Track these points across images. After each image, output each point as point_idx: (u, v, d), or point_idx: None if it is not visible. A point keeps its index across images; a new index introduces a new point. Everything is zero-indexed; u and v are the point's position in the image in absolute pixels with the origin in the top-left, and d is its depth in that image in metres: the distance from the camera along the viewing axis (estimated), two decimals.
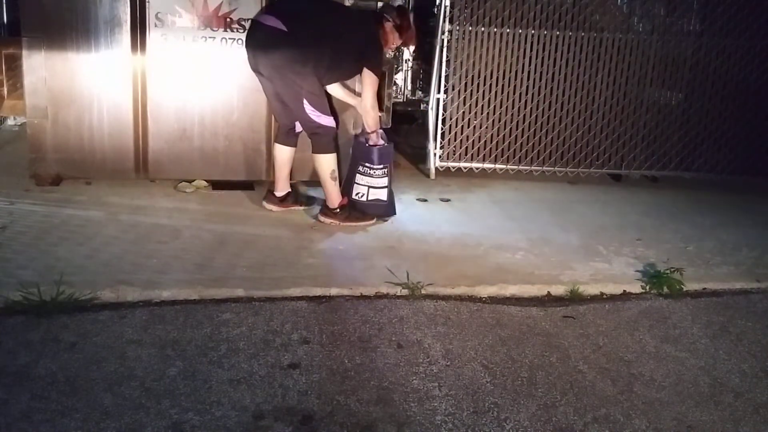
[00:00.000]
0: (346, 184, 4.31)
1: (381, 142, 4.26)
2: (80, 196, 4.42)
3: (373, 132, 4.24)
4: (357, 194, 4.24)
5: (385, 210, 4.33)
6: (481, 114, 5.44)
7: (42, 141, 4.52)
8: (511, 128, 5.47)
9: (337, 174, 4.21)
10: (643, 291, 3.64)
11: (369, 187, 4.23)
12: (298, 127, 4.28)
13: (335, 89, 4.30)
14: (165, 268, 3.44)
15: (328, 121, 4.13)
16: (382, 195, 4.28)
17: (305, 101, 4.04)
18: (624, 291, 3.63)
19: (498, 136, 5.47)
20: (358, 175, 4.24)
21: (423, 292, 3.41)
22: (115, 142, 4.60)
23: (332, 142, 4.19)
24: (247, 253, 3.71)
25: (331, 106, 4.28)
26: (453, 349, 2.91)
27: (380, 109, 5.08)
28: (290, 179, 4.48)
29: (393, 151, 4.39)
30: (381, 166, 4.23)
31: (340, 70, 4.17)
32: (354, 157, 4.32)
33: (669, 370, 2.88)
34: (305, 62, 3.97)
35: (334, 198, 4.21)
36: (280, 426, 2.35)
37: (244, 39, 4.29)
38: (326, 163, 4.16)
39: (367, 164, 4.22)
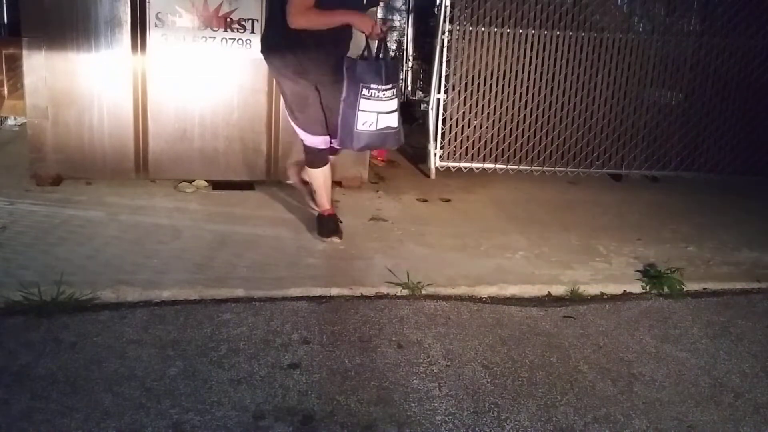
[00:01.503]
0: (344, 121, 3.57)
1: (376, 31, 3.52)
2: (80, 196, 4.42)
3: (375, 33, 3.51)
4: (364, 124, 3.53)
5: (396, 138, 3.69)
6: (481, 114, 5.44)
7: (42, 141, 4.52)
8: (511, 128, 5.47)
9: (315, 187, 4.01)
10: (644, 291, 3.64)
11: (378, 113, 3.52)
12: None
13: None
14: (165, 268, 3.44)
15: (306, 137, 3.82)
16: (393, 121, 3.60)
17: (287, 112, 3.89)
18: (624, 291, 3.63)
19: (498, 136, 5.47)
20: (362, 100, 3.50)
21: (423, 292, 3.41)
22: (115, 142, 4.61)
23: (313, 161, 3.89)
24: (248, 253, 3.71)
25: (332, 123, 3.76)
26: (453, 349, 2.91)
27: None
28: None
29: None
30: (390, 86, 3.54)
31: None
32: (351, 82, 3.52)
33: (669, 370, 2.88)
34: (282, 59, 3.68)
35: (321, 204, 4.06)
36: (280, 426, 2.35)
37: (244, 39, 4.29)
38: (311, 175, 4.01)
39: (372, 85, 3.49)
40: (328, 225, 3.99)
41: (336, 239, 3.95)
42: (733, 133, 5.67)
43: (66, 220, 4.00)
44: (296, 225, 4.19)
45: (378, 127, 3.54)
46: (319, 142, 3.81)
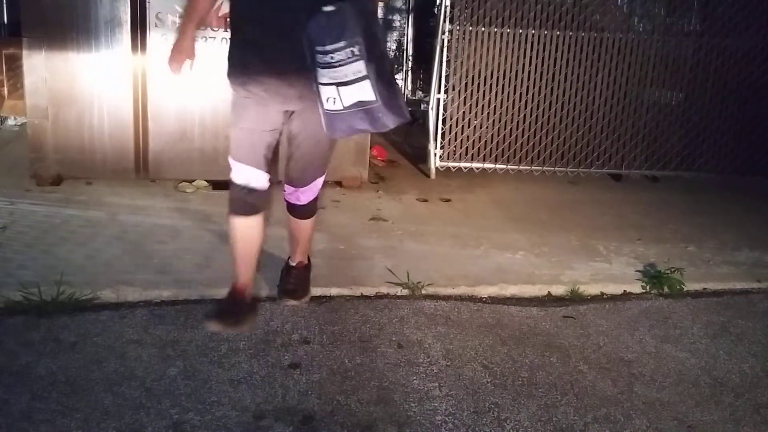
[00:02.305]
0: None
1: None
2: (81, 196, 4.42)
3: None
4: (328, 101, 2.55)
5: (387, 113, 2.54)
6: (482, 114, 5.44)
7: (42, 141, 4.52)
8: (511, 128, 5.47)
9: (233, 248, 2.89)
10: (644, 291, 3.64)
11: (337, 85, 2.50)
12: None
13: None
14: (165, 268, 3.44)
15: (230, 161, 2.82)
16: (366, 93, 2.50)
17: None
18: (624, 291, 3.63)
19: (498, 136, 5.47)
20: (318, 70, 2.52)
21: (423, 292, 3.41)
22: (115, 142, 4.61)
23: (232, 200, 2.82)
24: None
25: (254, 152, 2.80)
26: (453, 349, 2.91)
27: None
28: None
29: (370, 19, 2.56)
30: (342, 44, 2.45)
31: None
32: (308, 48, 2.56)
33: (669, 370, 2.88)
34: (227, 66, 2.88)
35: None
36: (280, 426, 2.35)
37: None
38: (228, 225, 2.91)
39: (318, 48, 2.49)
40: (223, 306, 2.82)
41: (216, 327, 2.76)
42: (733, 133, 5.67)
43: (66, 220, 4.00)
44: None
45: (345, 104, 2.52)
46: (242, 174, 2.75)
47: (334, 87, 2.51)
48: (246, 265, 2.85)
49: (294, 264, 3.19)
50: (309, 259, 3.26)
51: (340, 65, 2.47)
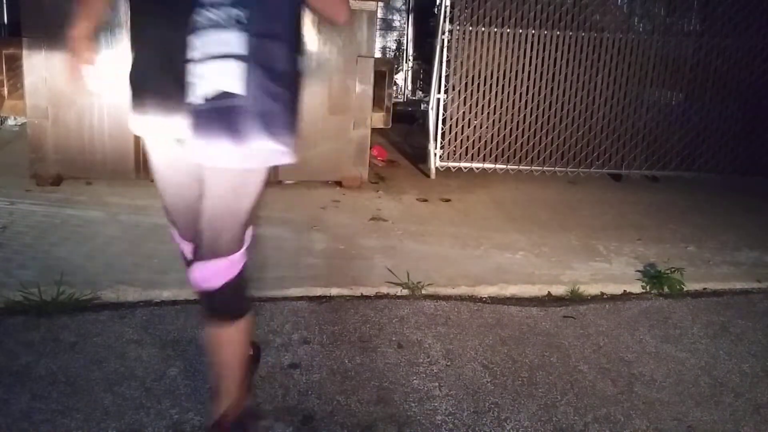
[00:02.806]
0: None
1: None
2: (81, 196, 4.42)
3: None
4: (190, 85, 1.73)
5: (251, 132, 1.73)
6: (482, 114, 5.44)
7: (42, 141, 4.52)
8: (511, 128, 5.48)
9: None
10: (644, 291, 3.64)
11: (199, 61, 1.72)
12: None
13: None
14: (165, 268, 3.44)
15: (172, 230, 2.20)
16: (229, 80, 1.70)
17: None
18: (624, 291, 3.63)
19: (498, 136, 5.48)
20: (190, 41, 1.73)
21: (423, 292, 3.41)
22: (115, 142, 4.61)
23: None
24: None
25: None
26: (453, 349, 2.91)
27: (380, 108, 5.10)
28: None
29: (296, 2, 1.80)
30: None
31: None
32: None
33: (669, 370, 2.88)
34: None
35: None
36: (280, 426, 2.35)
37: None
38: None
39: (196, 7, 1.71)
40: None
41: None
42: (733, 133, 5.67)
43: (66, 220, 4.00)
44: (296, 225, 4.18)
45: (206, 93, 1.71)
46: (184, 249, 2.17)
47: (197, 65, 1.71)
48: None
49: (214, 422, 2.06)
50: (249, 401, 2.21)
51: (211, 28, 1.69)
